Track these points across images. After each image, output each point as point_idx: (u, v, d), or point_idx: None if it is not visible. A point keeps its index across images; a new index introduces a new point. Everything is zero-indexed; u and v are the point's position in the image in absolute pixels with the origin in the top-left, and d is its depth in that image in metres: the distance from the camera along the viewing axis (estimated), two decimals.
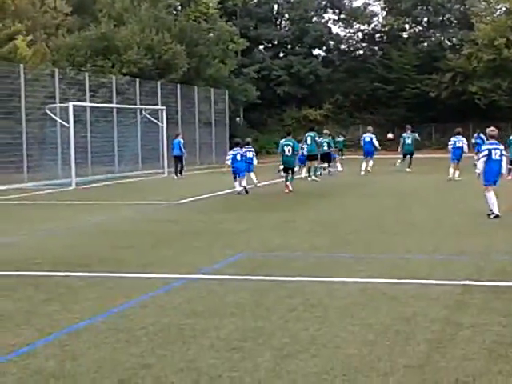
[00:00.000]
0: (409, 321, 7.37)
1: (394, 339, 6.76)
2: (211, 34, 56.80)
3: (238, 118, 65.11)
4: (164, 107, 39.09)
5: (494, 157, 15.95)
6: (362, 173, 31.81)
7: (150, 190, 27.54)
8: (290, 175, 24.37)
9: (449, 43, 71.40)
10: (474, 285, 9.05)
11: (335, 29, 77.33)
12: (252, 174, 26.12)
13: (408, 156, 33.71)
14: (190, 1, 57.44)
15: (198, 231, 14.62)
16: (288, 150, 24.39)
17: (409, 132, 34.37)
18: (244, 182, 23.78)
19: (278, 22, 75.77)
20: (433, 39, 72.36)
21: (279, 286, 9.18)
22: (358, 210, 18.49)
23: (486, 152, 16.01)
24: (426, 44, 72.40)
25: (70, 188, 28.39)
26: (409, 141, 33.74)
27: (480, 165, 16.05)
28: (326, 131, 34.49)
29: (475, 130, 40.58)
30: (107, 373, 6.00)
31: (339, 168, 35.44)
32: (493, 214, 15.65)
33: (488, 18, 63.17)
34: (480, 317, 7.47)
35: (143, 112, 39.43)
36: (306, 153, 29.36)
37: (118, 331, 7.20)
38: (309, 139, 30.01)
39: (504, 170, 16.37)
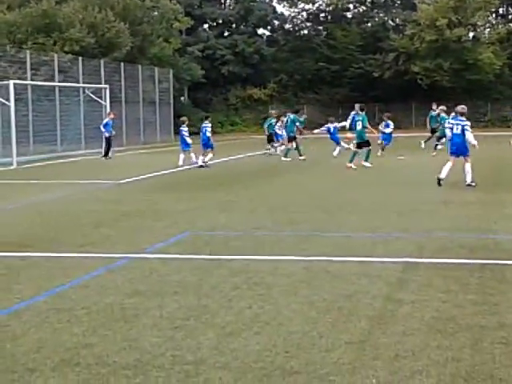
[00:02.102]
0: (351, 298, 7.44)
1: (336, 316, 6.82)
2: (155, 13, 56.21)
3: (182, 98, 64.79)
4: (107, 86, 38.57)
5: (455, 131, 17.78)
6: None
7: (93, 169, 27.22)
8: (366, 150, 24.29)
9: (392, 23, 71.94)
10: (415, 262, 9.18)
11: (280, 8, 77.42)
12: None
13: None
14: None
15: (141, 211, 14.51)
16: (358, 125, 24.48)
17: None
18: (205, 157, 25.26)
19: (222, 1, 75.35)
20: (376, 19, 72.78)
21: (223, 264, 9.17)
22: (303, 189, 18.56)
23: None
24: (369, 24, 72.81)
25: (11, 167, 27.91)
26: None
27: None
28: (272, 111, 34.21)
29: (419, 109, 40.98)
30: (48, 353, 5.93)
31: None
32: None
33: None
34: (420, 293, 7.58)
35: (86, 91, 38.88)
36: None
37: (60, 311, 7.12)
38: (288, 120, 30.23)
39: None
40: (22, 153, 31.52)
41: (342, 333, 6.31)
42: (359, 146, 24.45)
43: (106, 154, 32.64)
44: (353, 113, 30.41)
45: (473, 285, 7.91)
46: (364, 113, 25.09)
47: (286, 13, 76.42)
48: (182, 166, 25.87)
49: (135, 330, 6.50)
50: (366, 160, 24.13)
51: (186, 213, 14.06)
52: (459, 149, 17.87)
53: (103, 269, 9.04)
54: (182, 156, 26.53)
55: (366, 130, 24.66)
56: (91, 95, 38.32)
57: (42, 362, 5.75)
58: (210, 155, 25.84)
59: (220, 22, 73.26)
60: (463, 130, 17.72)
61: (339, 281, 8.20)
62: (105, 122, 33.33)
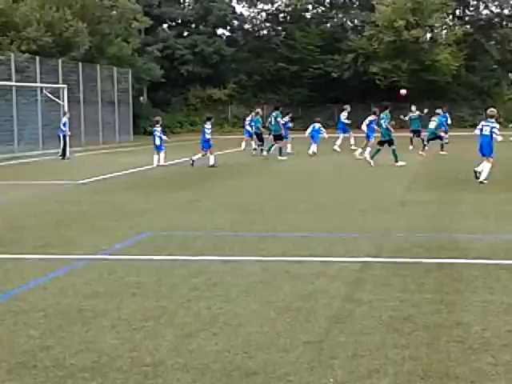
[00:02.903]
0: (309, 298, 7.48)
1: (295, 316, 6.85)
2: (114, 12, 55.79)
3: (141, 98, 64.50)
4: (65, 86, 38.22)
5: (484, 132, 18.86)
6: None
7: (52, 170, 26.98)
8: (392, 148, 24.60)
9: (351, 24, 72.27)
10: (373, 261, 9.26)
11: (239, 8, 77.44)
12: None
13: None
14: None
15: (100, 211, 14.43)
16: (384, 123, 24.85)
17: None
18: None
19: (181, 1, 75.11)
20: (335, 20, 73.09)
21: (182, 265, 9.16)
22: (264, 189, 18.59)
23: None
24: (328, 25, 73.06)
25: None
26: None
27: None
28: (258, 110, 33.55)
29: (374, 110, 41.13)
30: (4, 355, 5.88)
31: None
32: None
33: (388, 0, 64.35)
34: (378, 293, 7.65)
35: (44, 90, 38.46)
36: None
37: (16, 313, 7.06)
38: (272, 119, 30.05)
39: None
40: None
41: (301, 333, 6.35)
42: (381, 143, 25.03)
43: (64, 154, 32.37)
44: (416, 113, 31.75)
45: (429, 284, 8.00)
46: (387, 111, 25.39)
47: (246, 13, 76.53)
48: (157, 166, 25.90)
49: (93, 332, 6.46)
50: (372, 157, 24.62)
51: (146, 213, 14.00)
52: (485, 148, 18.86)
53: (61, 270, 8.98)
54: (156, 157, 26.41)
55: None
56: (49, 95, 37.90)
57: None
58: (199, 155, 25.72)
59: (179, 21, 73.03)
60: (492, 132, 18.67)
61: (298, 281, 8.23)
62: (63, 121, 33.08)
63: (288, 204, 15.19)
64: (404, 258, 9.36)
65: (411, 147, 32.11)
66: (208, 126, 26.00)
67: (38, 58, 40.96)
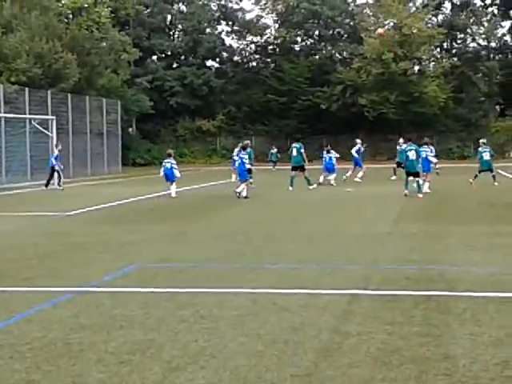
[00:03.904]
0: (297, 330, 7.45)
1: (283, 349, 6.82)
2: (103, 44, 56.20)
3: (130, 129, 64.70)
4: (54, 117, 38.30)
5: None
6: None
7: (39, 201, 26.90)
8: (414, 178, 24.66)
9: (339, 56, 72.91)
10: (361, 294, 9.23)
11: (228, 40, 78.01)
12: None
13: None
14: (82, 9, 56.67)
15: (87, 243, 14.37)
16: (412, 154, 24.71)
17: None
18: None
19: (171, 33, 75.67)
20: (324, 52, 73.71)
21: (170, 297, 9.12)
22: (252, 220, 18.59)
23: None
24: (317, 57, 73.67)
25: None
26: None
27: None
28: (246, 142, 33.23)
29: (366, 141, 41.53)
30: None
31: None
32: None
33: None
34: (366, 325, 7.62)
35: (32, 122, 38.53)
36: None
37: (1, 347, 6.99)
38: (294, 150, 30.11)
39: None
40: None
41: (289, 366, 6.31)
42: (408, 174, 24.97)
43: (47, 184, 32.40)
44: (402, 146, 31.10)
45: (418, 316, 7.99)
46: (410, 143, 25.48)
47: (235, 45, 77.19)
48: (176, 196, 25.85)
49: (79, 366, 6.41)
50: (419, 190, 24.42)
51: (134, 245, 13.96)
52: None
53: (48, 303, 8.91)
54: (173, 187, 26.43)
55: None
56: (37, 126, 37.97)
57: None
58: (243, 186, 25.55)
59: (169, 53, 73.49)
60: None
61: (286, 313, 8.20)
62: (55, 154, 33.10)
63: (276, 235, 15.17)
64: (392, 291, 9.34)
65: (394, 177, 32.63)
66: (245, 155, 26.10)
67: (27, 89, 41.11)
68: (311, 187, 28.75)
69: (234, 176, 34.30)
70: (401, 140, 33.92)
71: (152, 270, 11.23)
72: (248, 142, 33.33)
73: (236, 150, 34.18)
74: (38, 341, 7.20)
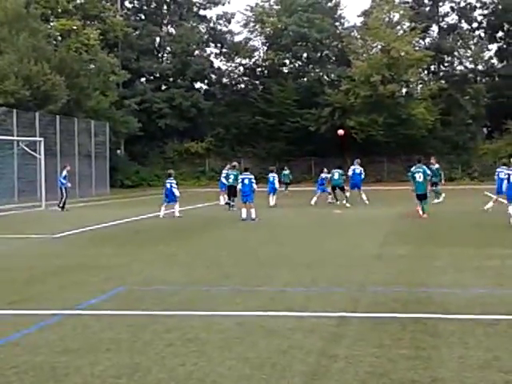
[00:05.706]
0: (285, 353, 7.42)
1: (270, 372, 6.79)
2: (92, 66, 56.30)
3: (118, 151, 64.69)
4: (42, 139, 38.21)
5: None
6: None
7: (26, 223, 26.79)
8: (423, 201, 25.14)
9: (327, 79, 73.16)
10: (350, 316, 9.21)
11: (217, 62, 78.40)
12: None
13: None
14: (71, 31, 56.82)
15: (75, 266, 14.29)
16: (419, 177, 24.94)
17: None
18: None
19: (159, 55, 75.91)
20: (312, 74, 74.00)
21: (157, 320, 9.07)
22: (239, 242, 18.56)
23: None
24: (305, 79, 74.00)
25: None
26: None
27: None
28: (234, 163, 32.97)
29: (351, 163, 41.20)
30: None
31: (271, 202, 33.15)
32: None
33: (364, 55, 65.40)
34: (354, 348, 7.60)
35: (20, 144, 38.44)
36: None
37: None
38: (336, 174, 32.34)
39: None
40: None
41: None
42: (418, 197, 25.26)
43: (64, 206, 32.51)
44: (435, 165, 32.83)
45: (406, 339, 7.97)
46: (420, 164, 25.63)
47: (223, 67, 77.50)
48: (180, 216, 26.15)
49: None
50: (423, 211, 24.91)
51: (122, 267, 13.90)
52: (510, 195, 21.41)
53: (34, 326, 8.85)
54: (176, 207, 26.66)
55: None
56: (25, 148, 37.87)
57: None
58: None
59: (157, 75, 73.64)
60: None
61: (273, 336, 8.17)
62: (64, 174, 33.11)
63: (264, 258, 15.13)
64: (380, 313, 9.33)
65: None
66: (251, 176, 26.14)
67: (15, 111, 41.08)
68: (348, 205, 30.65)
69: (221, 198, 34.28)
70: (432, 159, 33.95)
71: (139, 292, 11.18)
72: (236, 163, 33.44)
73: (224, 171, 33.97)
74: (24, 364, 7.15)
